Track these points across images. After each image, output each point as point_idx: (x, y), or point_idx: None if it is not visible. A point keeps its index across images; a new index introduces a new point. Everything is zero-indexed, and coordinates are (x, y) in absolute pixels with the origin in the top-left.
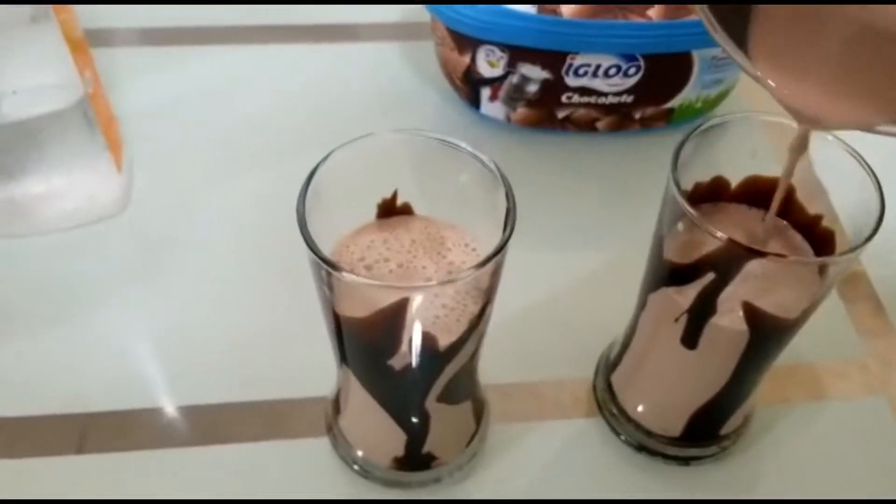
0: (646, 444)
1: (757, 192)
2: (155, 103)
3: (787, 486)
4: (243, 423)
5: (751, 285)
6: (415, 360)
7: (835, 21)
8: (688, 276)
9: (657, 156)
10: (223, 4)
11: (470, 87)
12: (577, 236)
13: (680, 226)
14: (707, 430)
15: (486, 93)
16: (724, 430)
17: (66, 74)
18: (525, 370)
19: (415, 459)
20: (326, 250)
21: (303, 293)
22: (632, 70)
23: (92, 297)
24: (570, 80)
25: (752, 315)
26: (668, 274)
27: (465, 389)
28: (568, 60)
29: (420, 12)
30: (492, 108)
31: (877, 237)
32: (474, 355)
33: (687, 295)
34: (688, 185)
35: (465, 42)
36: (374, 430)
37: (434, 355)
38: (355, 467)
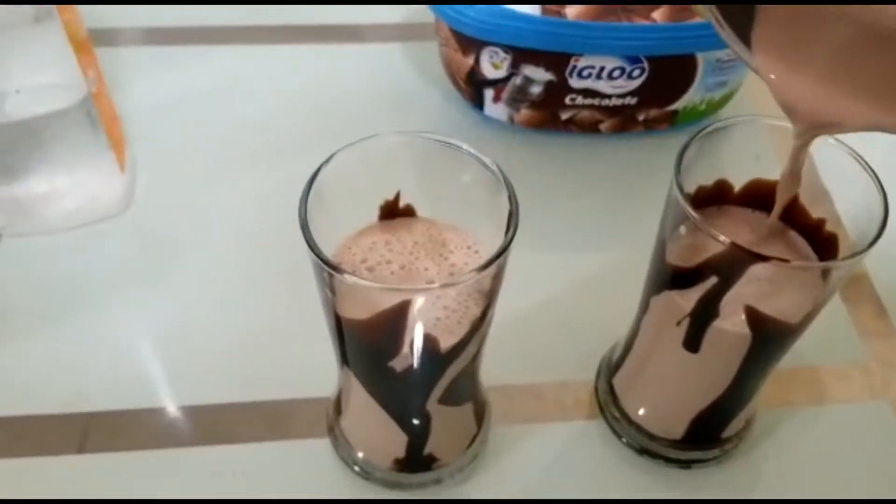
0: (647, 446)
1: (760, 196)
2: (159, 103)
3: (789, 489)
4: (244, 424)
5: (753, 289)
6: (416, 362)
7: (838, 20)
8: (690, 280)
9: (660, 158)
10: (229, 4)
11: (473, 88)
12: (580, 238)
13: (683, 229)
14: (709, 434)
15: (489, 94)
16: (726, 434)
17: (70, 74)
18: (527, 372)
19: (416, 461)
20: (328, 252)
21: (304, 294)
22: (636, 72)
23: (94, 297)
24: (574, 82)
25: (755, 319)
26: (670, 277)
27: (466, 391)
28: (572, 62)
29: (424, 13)
30: (495, 109)
31: (879, 239)
32: (476, 357)
33: (689, 298)
34: (691, 187)
35: (469, 43)
36: (376, 432)
37: (435, 357)
38: (356, 468)
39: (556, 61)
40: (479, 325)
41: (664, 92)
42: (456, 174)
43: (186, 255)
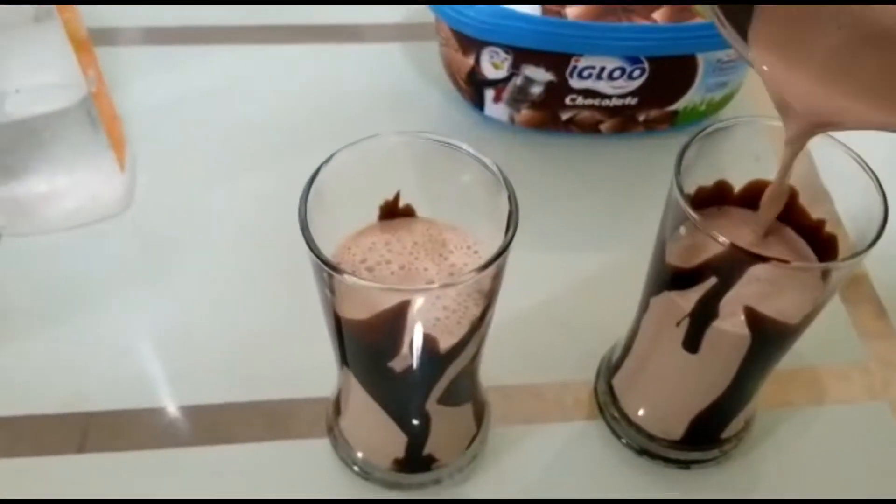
0: (647, 447)
1: (760, 197)
2: (159, 103)
3: (789, 490)
4: (244, 424)
5: (753, 290)
6: (416, 362)
7: (838, 19)
8: (690, 280)
9: (661, 158)
10: (229, 4)
11: (474, 88)
12: (580, 238)
13: (682, 229)
14: (708, 434)
15: (489, 94)
16: (726, 434)
17: (70, 73)
18: (526, 372)
19: (415, 461)
20: (328, 252)
21: (304, 294)
22: (636, 72)
23: (94, 297)
24: (574, 83)
25: (754, 319)
26: (670, 277)
27: (466, 391)
28: (572, 62)
29: (424, 13)
30: (495, 109)
31: (879, 240)
32: (475, 357)
33: (689, 299)
34: (691, 188)
35: (470, 43)
36: (375, 432)
37: (435, 357)
38: (356, 468)
39: (557, 61)
40: (479, 325)
41: (664, 92)
42: (456, 174)
43: (186, 255)
